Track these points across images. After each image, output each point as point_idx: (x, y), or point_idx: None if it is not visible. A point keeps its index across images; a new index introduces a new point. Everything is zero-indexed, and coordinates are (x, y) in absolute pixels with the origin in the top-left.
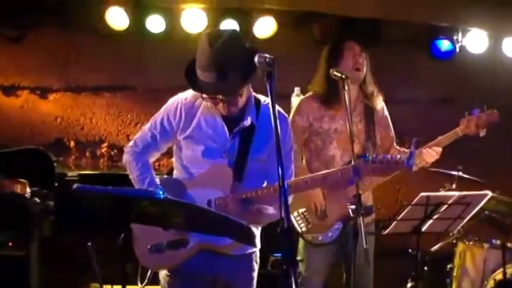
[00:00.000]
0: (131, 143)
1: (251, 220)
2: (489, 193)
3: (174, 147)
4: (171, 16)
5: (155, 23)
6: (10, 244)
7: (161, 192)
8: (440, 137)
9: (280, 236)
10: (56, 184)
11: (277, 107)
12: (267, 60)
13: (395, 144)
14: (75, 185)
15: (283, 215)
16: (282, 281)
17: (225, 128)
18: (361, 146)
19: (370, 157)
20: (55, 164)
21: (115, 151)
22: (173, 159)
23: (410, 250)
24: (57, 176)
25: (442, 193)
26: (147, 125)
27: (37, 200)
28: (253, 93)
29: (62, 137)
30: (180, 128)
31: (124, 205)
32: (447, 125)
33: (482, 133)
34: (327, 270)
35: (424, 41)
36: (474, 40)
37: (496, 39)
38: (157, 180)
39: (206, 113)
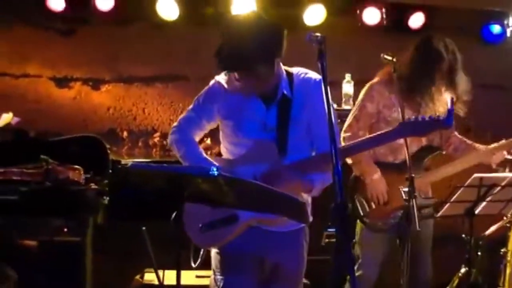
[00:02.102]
0: (175, 123)
1: (305, 187)
2: None
3: (220, 132)
4: (222, 4)
5: (205, 12)
6: (65, 229)
7: (214, 169)
8: (504, 141)
9: (334, 211)
10: (110, 171)
11: (314, 74)
12: (318, 38)
13: (455, 132)
14: (129, 163)
15: (336, 189)
16: (335, 257)
17: (262, 104)
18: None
19: (408, 119)
20: (109, 151)
21: (168, 140)
22: (221, 145)
23: (463, 236)
24: (111, 163)
25: (495, 174)
26: (191, 106)
27: (92, 186)
28: (284, 67)
29: (115, 128)
30: (220, 108)
31: (178, 182)
32: (499, 110)
33: None
34: (384, 256)
35: (475, 27)
36: None
37: None
38: (207, 156)
39: (243, 92)
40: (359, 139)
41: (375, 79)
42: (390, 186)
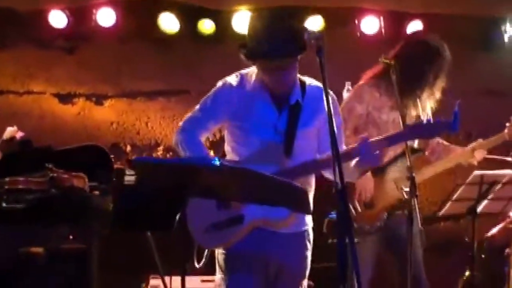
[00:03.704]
0: (181, 123)
1: None
2: None
3: (225, 132)
4: (222, 19)
5: (206, 26)
6: (71, 237)
7: (217, 159)
8: (488, 140)
9: (335, 198)
10: (114, 179)
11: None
12: (316, 34)
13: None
14: (133, 157)
15: (337, 176)
16: (338, 241)
17: (274, 106)
18: None
19: (415, 123)
20: (113, 160)
21: (171, 153)
22: (225, 145)
23: (466, 239)
24: (116, 172)
25: (496, 171)
26: (197, 106)
27: (97, 193)
28: (298, 75)
29: (118, 142)
30: (229, 110)
31: (181, 174)
32: (497, 117)
33: None
34: (375, 259)
35: (474, 33)
36: None
37: None
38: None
39: (254, 94)
40: (371, 139)
41: (362, 81)
42: (374, 189)
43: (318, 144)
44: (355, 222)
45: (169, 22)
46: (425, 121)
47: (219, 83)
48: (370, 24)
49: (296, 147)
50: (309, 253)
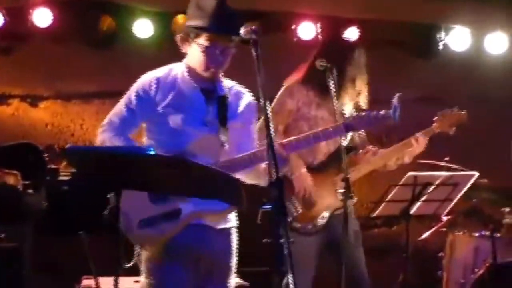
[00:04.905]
0: (105, 121)
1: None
2: (476, 173)
3: (146, 126)
4: (159, 21)
5: (143, 28)
6: (3, 235)
7: (151, 149)
8: (417, 134)
9: (269, 188)
10: (47, 177)
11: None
12: (253, 28)
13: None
14: (67, 146)
15: (272, 167)
16: (273, 233)
17: (203, 98)
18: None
19: (359, 113)
20: (46, 158)
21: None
22: (145, 139)
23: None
24: (50, 171)
25: (429, 173)
26: (120, 102)
27: (30, 191)
28: None
29: (53, 144)
30: (158, 100)
31: (115, 164)
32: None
33: (452, 132)
34: (317, 259)
35: (407, 40)
36: (457, 38)
37: (479, 36)
38: None
39: (182, 85)
40: (308, 133)
41: (290, 82)
42: (314, 188)
43: (238, 144)
44: (297, 222)
45: (106, 24)
46: (367, 112)
47: (143, 76)
48: (307, 30)
49: (230, 138)
50: (235, 248)
